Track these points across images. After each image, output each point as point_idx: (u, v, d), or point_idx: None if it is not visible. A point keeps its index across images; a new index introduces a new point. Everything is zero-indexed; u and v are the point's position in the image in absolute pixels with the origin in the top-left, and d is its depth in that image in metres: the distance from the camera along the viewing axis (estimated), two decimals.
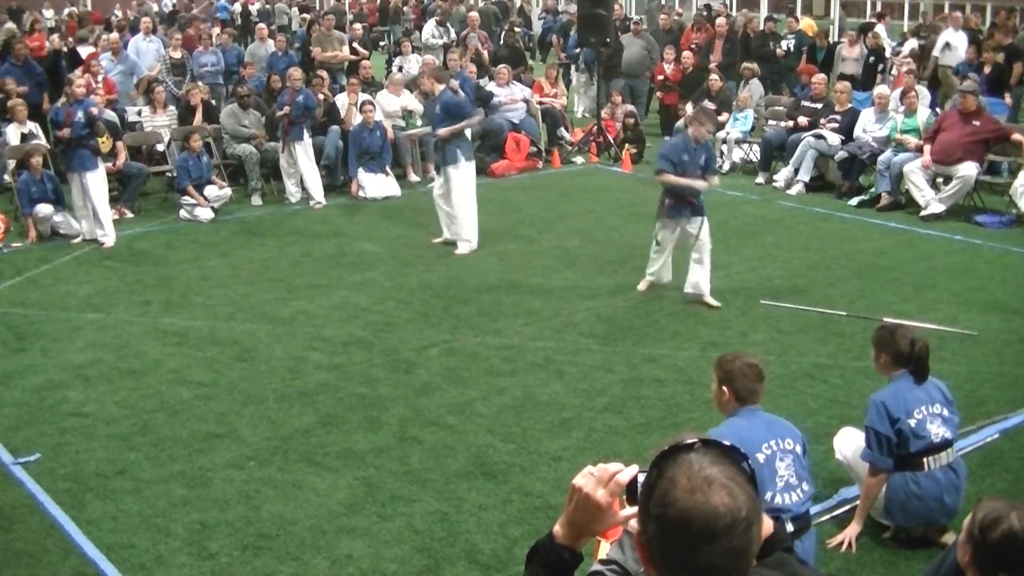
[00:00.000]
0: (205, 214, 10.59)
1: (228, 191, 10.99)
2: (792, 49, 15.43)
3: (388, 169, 11.78)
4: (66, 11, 23.37)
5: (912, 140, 10.90)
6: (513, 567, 4.51)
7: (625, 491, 1.74)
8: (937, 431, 4.45)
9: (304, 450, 5.61)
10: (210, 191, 10.73)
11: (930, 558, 4.20)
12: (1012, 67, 13.72)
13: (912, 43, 16.73)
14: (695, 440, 1.64)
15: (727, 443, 1.65)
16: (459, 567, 4.53)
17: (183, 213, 10.66)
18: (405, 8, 22.85)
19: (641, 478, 1.71)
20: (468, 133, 9.85)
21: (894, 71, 15.15)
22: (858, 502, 4.68)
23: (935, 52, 14.87)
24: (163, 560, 4.58)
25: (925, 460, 4.46)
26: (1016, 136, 10.45)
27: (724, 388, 4.11)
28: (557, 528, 1.81)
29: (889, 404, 4.44)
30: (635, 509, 1.71)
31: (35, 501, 5.09)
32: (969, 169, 10.32)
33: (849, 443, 4.77)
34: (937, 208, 10.38)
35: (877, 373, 4.74)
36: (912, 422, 4.42)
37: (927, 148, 10.59)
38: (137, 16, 18.84)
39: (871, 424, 4.47)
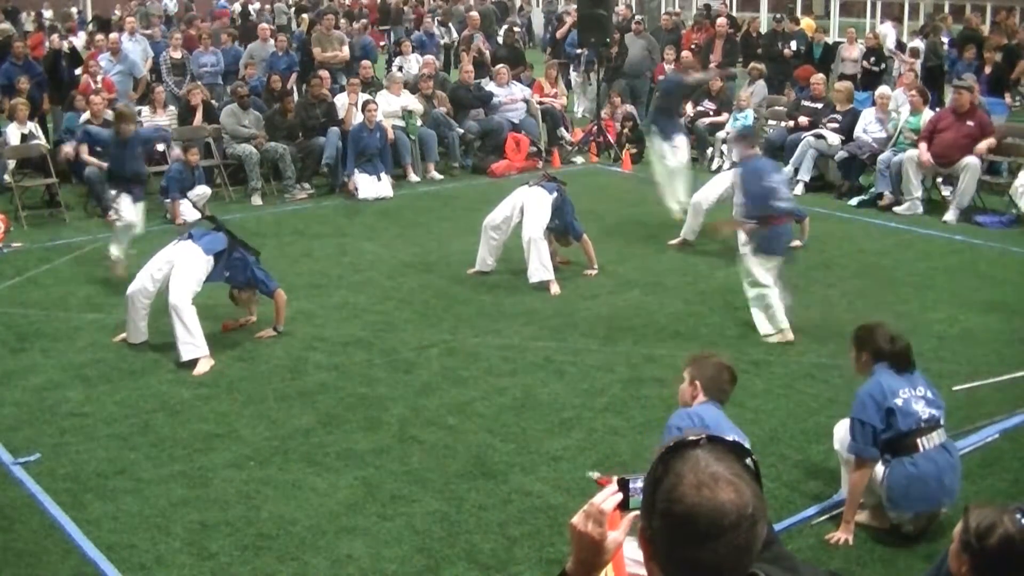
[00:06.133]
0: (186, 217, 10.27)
1: (208, 190, 10.76)
2: (797, 49, 15.46)
3: (384, 171, 11.69)
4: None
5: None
6: (513, 567, 4.51)
7: (619, 500, 1.75)
8: (924, 410, 4.59)
9: (304, 450, 5.61)
10: (192, 192, 10.53)
11: (929, 557, 4.21)
12: (1011, 67, 13.74)
13: (916, 43, 16.74)
14: (700, 436, 1.65)
15: (731, 438, 1.67)
16: (459, 567, 4.53)
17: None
18: (405, 8, 22.85)
19: (636, 484, 1.72)
20: None
21: (895, 71, 15.16)
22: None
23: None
24: (163, 560, 4.58)
25: (918, 441, 4.56)
26: (980, 145, 10.26)
27: (696, 383, 4.25)
28: (569, 566, 1.82)
29: (875, 393, 4.59)
30: (630, 516, 1.72)
31: (35, 501, 5.09)
32: (971, 159, 10.26)
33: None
34: (953, 215, 10.28)
35: (857, 372, 4.83)
36: (899, 401, 4.56)
37: (922, 146, 10.53)
38: (136, 15, 18.81)
39: (856, 415, 4.60)
